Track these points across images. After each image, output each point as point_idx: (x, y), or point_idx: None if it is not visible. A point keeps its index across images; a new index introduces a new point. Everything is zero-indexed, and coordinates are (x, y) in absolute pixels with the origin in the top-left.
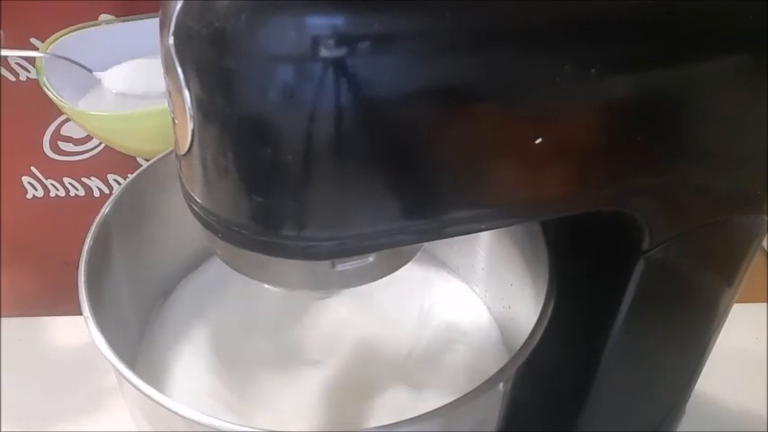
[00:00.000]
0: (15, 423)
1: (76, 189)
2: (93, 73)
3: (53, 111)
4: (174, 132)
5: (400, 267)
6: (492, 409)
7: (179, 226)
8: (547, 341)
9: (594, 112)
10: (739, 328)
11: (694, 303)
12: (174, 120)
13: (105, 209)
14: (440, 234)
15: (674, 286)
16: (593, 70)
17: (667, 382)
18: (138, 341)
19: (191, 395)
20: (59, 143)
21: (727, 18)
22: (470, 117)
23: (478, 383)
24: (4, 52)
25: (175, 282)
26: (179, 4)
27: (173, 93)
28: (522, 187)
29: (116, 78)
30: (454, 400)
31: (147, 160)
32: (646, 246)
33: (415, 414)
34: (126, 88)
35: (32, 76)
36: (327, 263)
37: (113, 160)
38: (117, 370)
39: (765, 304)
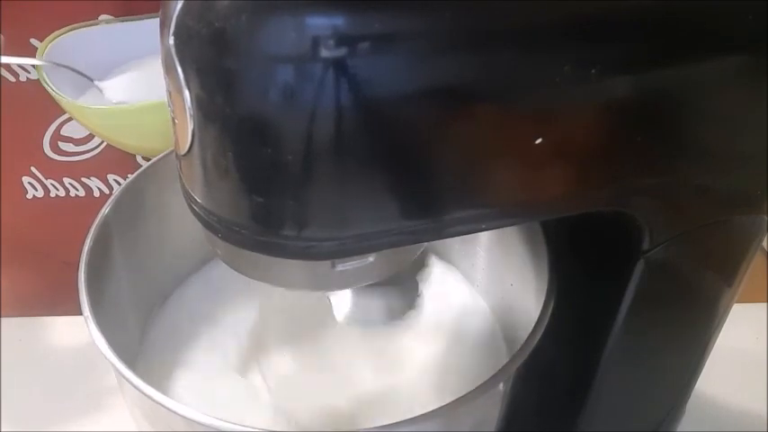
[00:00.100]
0: (15, 423)
1: (77, 189)
2: (95, 82)
3: (53, 111)
4: (175, 132)
5: (400, 267)
6: (492, 409)
7: (179, 226)
8: (547, 341)
9: (594, 113)
10: (739, 328)
11: (694, 303)
12: (174, 120)
13: (105, 209)
14: (440, 234)
15: (674, 286)
16: (593, 70)
17: (667, 382)
18: (139, 341)
19: (191, 395)
20: (60, 143)
21: (727, 18)
22: (470, 117)
23: (478, 383)
24: (4, 59)
25: (176, 282)
26: (179, 4)
27: (173, 93)
28: (522, 187)
29: (116, 89)
30: (454, 400)
31: (147, 160)
32: (646, 246)
33: (415, 414)
34: (126, 98)
35: (32, 76)
36: (327, 263)
37: (113, 160)
38: (117, 370)
39: (765, 304)
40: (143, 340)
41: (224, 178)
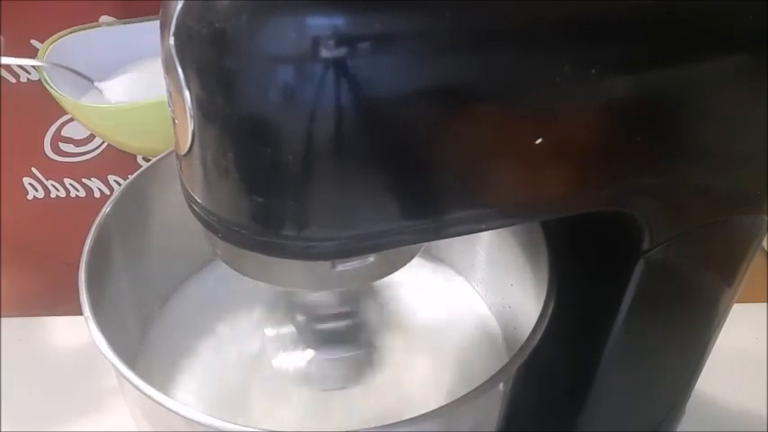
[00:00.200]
0: (15, 423)
1: (77, 190)
2: (95, 83)
3: (54, 112)
4: (175, 132)
5: (401, 267)
6: (492, 409)
7: (179, 226)
8: (547, 341)
9: (594, 113)
10: (739, 328)
11: (694, 303)
12: (174, 120)
13: (106, 209)
14: (440, 234)
15: (674, 286)
16: (593, 71)
17: (667, 382)
18: (139, 341)
19: (191, 395)
20: (60, 144)
21: (727, 18)
22: (470, 117)
23: (478, 383)
24: (5, 60)
25: (176, 282)
26: (179, 5)
27: (173, 93)
28: (523, 187)
29: (117, 90)
30: (454, 400)
31: (148, 161)
32: (646, 246)
33: (415, 414)
34: (127, 99)
35: (33, 77)
36: (327, 263)
37: (114, 161)
38: (117, 370)
39: (765, 304)
40: (143, 340)
41: (224, 178)
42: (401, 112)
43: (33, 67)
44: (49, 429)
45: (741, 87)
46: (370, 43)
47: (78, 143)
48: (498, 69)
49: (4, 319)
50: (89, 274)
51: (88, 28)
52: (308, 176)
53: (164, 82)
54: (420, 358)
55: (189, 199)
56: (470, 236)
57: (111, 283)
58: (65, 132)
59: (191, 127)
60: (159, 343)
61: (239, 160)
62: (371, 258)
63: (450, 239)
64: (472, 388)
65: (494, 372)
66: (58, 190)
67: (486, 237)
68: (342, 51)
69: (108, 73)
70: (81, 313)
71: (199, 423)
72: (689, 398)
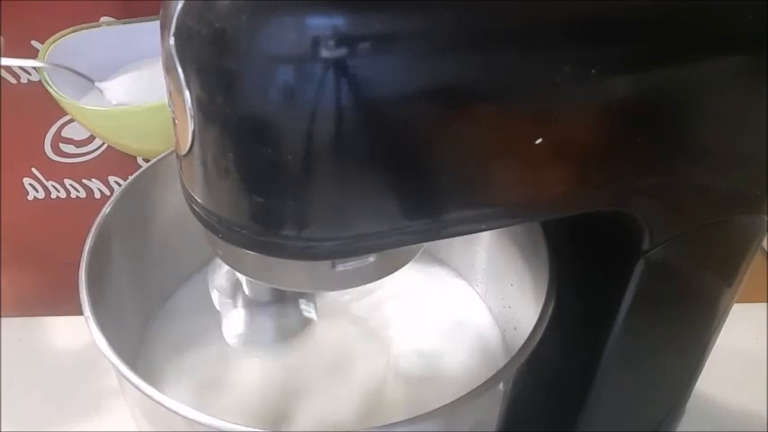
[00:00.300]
0: (15, 423)
1: (77, 190)
2: (96, 84)
3: (54, 113)
4: (175, 133)
5: (401, 267)
6: (492, 409)
7: (180, 226)
8: (547, 341)
9: (594, 113)
10: (739, 328)
11: (694, 303)
12: (174, 120)
13: (106, 210)
14: (440, 234)
15: (674, 286)
16: (593, 71)
17: (667, 382)
18: (139, 341)
19: (191, 395)
20: (60, 145)
21: (727, 18)
22: (470, 117)
23: (478, 383)
24: (5, 61)
25: (176, 282)
26: (180, 5)
27: (173, 93)
28: (523, 187)
29: (117, 90)
30: (454, 400)
31: (148, 161)
32: (646, 246)
33: (415, 414)
34: (127, 99)
35: (33, 78)
36: (328, 263)
37: (114, 162)
38: (118, 370)
39: (765, 304)
40: (143, 340)
41: (224, 178)
42: (401, 113)
43: (34, 67)
44: (49, 430)
45: (741, 87)
46: (370, 43)
47: (78, 144)
48: (498, 69)
49: (4, 319)
50: (89, 274)
51: (88, 28)
52: (308, 176)
53: (164, 82)
54: (420, 358)
55: (189, 199)
56: (470, 236)
57: (112, 283)
58: (65, 133)
59: (191, 127)
60: (159, 343)
61: (239, 160)
62: (371, 258)
63: (450, 240)
64: (472, 388)
65: (494, 372)
66: (58, 190)
67: (486, 237)
68: (342, 51)
69: (108, 73)
70: (81, 313)
71: (199, 423)
72: (689, 398)
